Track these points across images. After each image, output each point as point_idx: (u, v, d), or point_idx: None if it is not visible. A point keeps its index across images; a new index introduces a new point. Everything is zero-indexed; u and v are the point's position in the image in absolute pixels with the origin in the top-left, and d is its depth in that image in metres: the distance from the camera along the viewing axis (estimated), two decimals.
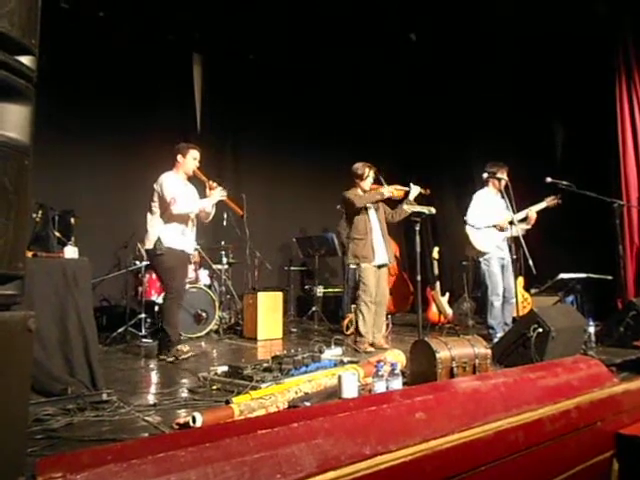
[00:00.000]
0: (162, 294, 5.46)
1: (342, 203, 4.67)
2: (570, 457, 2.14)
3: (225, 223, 5.80)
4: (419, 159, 7.93)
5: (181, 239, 4.01)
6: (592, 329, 3.97)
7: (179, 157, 4.10)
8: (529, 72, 6.24)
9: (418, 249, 4.09)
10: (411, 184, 4.58)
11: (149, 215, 4.02)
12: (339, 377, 2.40)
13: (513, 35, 6.13)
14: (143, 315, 5.17)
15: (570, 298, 5.30)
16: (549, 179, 4.42)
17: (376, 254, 4.43)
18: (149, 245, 3.95)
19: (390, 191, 4.48)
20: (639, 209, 5.29)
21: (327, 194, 6.36)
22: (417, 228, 4.10)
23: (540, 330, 3.09)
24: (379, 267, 4.48)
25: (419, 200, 4.60)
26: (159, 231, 3.93)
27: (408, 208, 4.10)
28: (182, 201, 3.93)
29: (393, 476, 1.50)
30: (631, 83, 5.55)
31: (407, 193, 4.57)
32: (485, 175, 4.57)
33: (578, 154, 5.92)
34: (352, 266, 4.53)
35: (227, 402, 2.30)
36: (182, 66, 6.81)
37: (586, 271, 5.11)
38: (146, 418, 2.25)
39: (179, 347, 3.86)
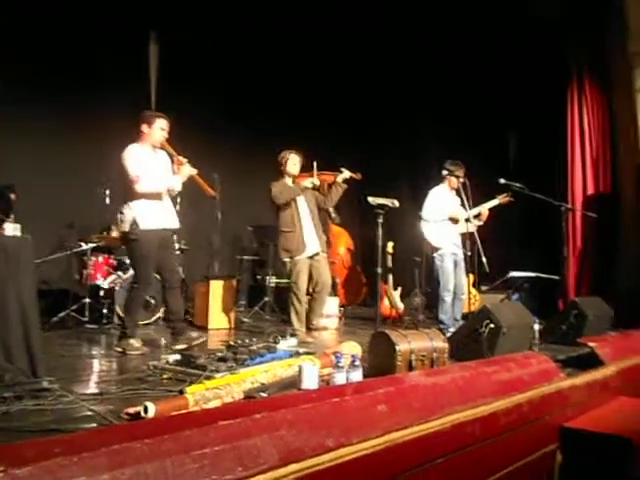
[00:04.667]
0: (108, 278, 5.26)
1: (269, 194, 4.47)
2: (519, 450, 2.20)
3: (178, 207, 5.60)
4: (377, 155, 7.99)
5: (161, 215, 3.64)
6: (537, 327, 4.12)
7: (144, 127, 3.64)
8: (487, 77, 6.39)
9: (380, 242, 4.08)
10: (342, 168, 4.51)
11: (122, 194, 3.64)
12: (300, 367, 2.36)
13: (469, 41, 6.25)
14: (87, 300, 4.93)
15: (516, 296, 5.50)
16: (502, 180, 4.56)
17: (307, 245, 4.35)
18: (125, 227, 3.56)
19: (312, 182, 4.41)
20: (583, 213, 5.55)
21: None
22: (380, 221, 4.09)
23: (492, 326, 3.17)
24: (311, 257, 4.41)
25: (349, 183, 4.54)
26: (135, 212, 3.54)
27: (373, 200, 4.07)
28: (146, 179, 3.54)
29: (356, 469, 1.48)
30: (582, 92, 5.78)
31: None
32: (445, 172, 4.65)
33: (530, 158, 6.13)
34: (285, 259, 4.40)
35: (181, 392, 2.21)
36: (137, 43, 6.49)
37: (531, 270, 5.30)
38: (92, 407, 2.12)
39: (131, 341, 3.56)
